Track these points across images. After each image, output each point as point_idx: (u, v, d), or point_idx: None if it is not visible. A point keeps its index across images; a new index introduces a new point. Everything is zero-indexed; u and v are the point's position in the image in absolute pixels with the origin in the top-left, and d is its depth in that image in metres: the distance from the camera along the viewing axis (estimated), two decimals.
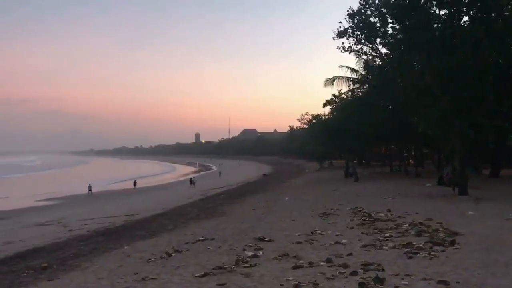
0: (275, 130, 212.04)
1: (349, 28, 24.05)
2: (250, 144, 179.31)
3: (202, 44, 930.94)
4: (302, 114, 64.84)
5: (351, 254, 8.44)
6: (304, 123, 64.53)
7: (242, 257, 8.72)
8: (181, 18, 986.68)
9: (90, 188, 45.04)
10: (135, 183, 53.52)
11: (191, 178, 55.31)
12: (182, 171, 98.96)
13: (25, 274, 10.95)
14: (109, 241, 14.95)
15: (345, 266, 7.43)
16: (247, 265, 8.06)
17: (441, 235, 9.90)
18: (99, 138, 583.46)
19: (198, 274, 7.61)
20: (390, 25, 22.21)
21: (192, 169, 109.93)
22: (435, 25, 19.99)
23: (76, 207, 32.55)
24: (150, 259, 10.00)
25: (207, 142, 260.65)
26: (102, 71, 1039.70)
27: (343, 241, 9.88)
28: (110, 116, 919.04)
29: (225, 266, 8.02)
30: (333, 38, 24.95)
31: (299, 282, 6.57)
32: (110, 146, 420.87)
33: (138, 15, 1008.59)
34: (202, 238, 12.10)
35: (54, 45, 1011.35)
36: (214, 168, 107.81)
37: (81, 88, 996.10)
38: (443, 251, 8.34)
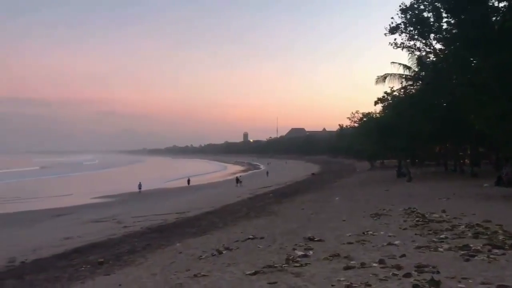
0: (324, 128, 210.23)
1: (402, 23, 23.52)
2: (298, 143, 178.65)
3: (252, 43, 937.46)
4: (352, 112, 63.59)
5: (404, 255, 8.20)
6: (354, 122, 63.28)
7: (292, 256, 8.68)
8: (229, 18, 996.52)
9: (140, 187, 46.29)
10: (188, 181, 55.12)
11: (237, 177, 55.83)
12: (230, 170, 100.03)
13: (83, 268, 11.43)
14: (161, 238, 15.33)
15: (399, 267, 7.23)
16: (297, 265, 8.01)
17: (500, 237, 9.43)
18: (151, 138, 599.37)
19: (248, 272, 7.64)
20: (445, 20, 21.47)
21: (239, 168, 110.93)
22: (494, 18, 19.11)
23: (129, 205, 33.62)
24: (201, 256, 10.16)
25: (255, 141, 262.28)
26: (154, 72, 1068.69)
27: (396, 242, 9.62)
28: (161, 116, 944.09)
29: (275, 265, 8.01)
30: (385, 34, 24.50)
31: (351, 283, 6.46)
32: (161, 146, 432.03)
33: (189, 16, 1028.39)
34: (251, 237, 12.15)
35: (108, 48, 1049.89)
36: (262, 167, 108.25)
37: (134, 89, 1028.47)
38: (503, 254, 7.95)
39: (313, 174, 65.10)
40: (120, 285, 8.23)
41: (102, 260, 12.02)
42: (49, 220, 26.81)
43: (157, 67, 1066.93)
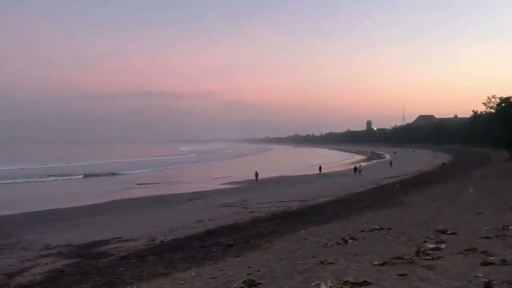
0: (456, 115, 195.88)
1: None
2: (426, 131, 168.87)
3: (374, 28, 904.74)
4: (488, 97, 58.15)
5: None
6: (491, 107, 57.93)
7: (422, 249, 8.30)
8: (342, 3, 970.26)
9: (256, 175, 46.99)
10: (320, 169, 56.05)
11: (355, 166, 54.70)
12: (352, 159, 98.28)
13: (214, 249, 12.16)
14: (286, 224, 15.67)
15: None
16: (429, 258, 7.64)
17: None
18: (273, 127, 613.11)
19: (376, 263, 7.48)
20: None
21: (361, 157, 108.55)
22: None
23: (255, 191, 34.84)
24: (326, 244, 10.19)
25: (379, 130, 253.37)
26: (276, 62, 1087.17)
27: None
28: (283, 105, 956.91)
29: (404, 257, 7.73)
30: None
31: (490, 280, 6.00)
32: (283, 134, 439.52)
33: (309, 3, 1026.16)
34: (378, 227, 11.87)
35: (233, 41, 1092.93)
36: (387, 156, 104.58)
37: (257, 79, 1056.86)
38: None
39: (443, 164, 61.17)
40: (249, 267, 8.60)
41: (231, 242, 12.66)
42: (185, 203, 28.95)
43: (278, 56, 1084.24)
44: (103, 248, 14.81)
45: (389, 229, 11.53)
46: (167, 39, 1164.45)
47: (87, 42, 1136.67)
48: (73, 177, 54.76)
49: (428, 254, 7.87)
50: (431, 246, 8.61)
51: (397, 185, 30.42)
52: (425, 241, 9.20)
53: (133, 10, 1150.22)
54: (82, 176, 55.17)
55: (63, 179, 53.10)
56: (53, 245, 16.24)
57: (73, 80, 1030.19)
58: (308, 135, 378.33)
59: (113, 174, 58.28)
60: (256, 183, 43.37)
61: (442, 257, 7.65)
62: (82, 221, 22.60)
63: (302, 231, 13.44)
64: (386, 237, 10.34)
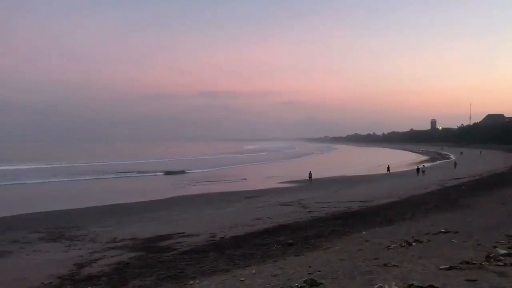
0: None
1: None
2: (495, 131, 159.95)
3: (439, 24, 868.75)
4: None
5: None
6: None
7: (493, 254, 7.90)
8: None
9: (310, 176, 46.16)
10: (388, 168, 56.17)
11: (418, 166, 53.00)
12: (415, 159, 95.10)
13: (274, 247, 12.22)
14: (346, 225, 15.44)
15: None
16: (501, 264, 7.26)
17: None
18: (332, 126, 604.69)
19: (443, 267, 7.21)
20: None
21: (425, 157, 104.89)
22: None
23: (314, 190, 34.57)
24: (389, 246, 9.95)
25: (444, 129, 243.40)
26: (335, 61, 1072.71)
27: None
28: (343, 104, 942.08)
29: (473, 262, 7.40)
30: None
31: None
32: (342, 133, 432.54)
33: (367, 3, 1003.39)
34: (444, 230, 11.42)
35: (290, 42, 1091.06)
36: (452, 157, 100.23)
37: (315, 78, 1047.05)
38: None
39: None
40: (310, 266, 8.57)
41: (291, 241, 12.67)
42: (242, 201, 29.25)
43: (336, 55, 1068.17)
44: (166, 242, 15.30)
45: (455, 232, 11.08)
46: (223, 39, 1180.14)
47: (147, 41, 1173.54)
48: (157, 173, 56.72)
49: (499, 260, 7.49)
50: (503, 251, 8.18)
51: (463, 187, 29.10)
52: (495, 246, 8.76)
53: (189, 10, 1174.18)
54: (162, 173, 57.15)
55: (147, 175, 54.95)
56: (119, 238, 16.98)
57: (135, 80, 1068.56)
58: (368, 134, 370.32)
59: (183, 172, 59.63)
60: (311, 183, 42.92)
61: None
62: (145, 216, 23.44)
63: (363, 232, 13.20)
64: (452, 240, 9.94)
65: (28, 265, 13.23)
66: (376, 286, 6.37)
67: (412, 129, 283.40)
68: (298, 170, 58.72)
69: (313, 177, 45.84)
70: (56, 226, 20.54)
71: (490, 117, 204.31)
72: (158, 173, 56.85)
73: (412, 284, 6.23)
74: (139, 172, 57.69)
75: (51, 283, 10.57)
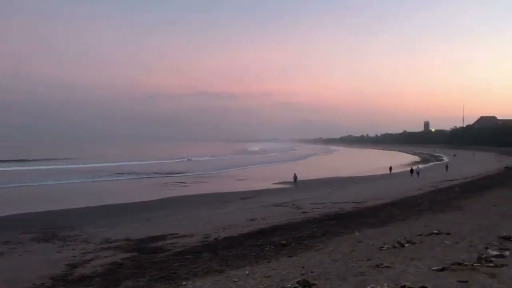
0: None
1: None
2: (488, 133, 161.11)
3: (433, 26, 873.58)
4: None
5: None
6: None
7: (484, 255, 7.96)
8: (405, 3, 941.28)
9: (295, 178, 45.52)
10: (390, 169, 57.17)
11: (412, 168, 53.37)
12: (408, 160, 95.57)
13: (267, 248, 12.22)
14: (340, 226, 15.46)
15: None
16: (492, 265, 7.31)
17: None
18: (325, 127, 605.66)
19: (435, 268, 7.26)
20: None
21: (418, 159, 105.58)
22: None
23: (307, 191, 34.62)
24: (382, 247, 9.98)
25: (438, 131, 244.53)
26: (330, 63, 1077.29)
27: None
28: (335, 106, 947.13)
29: (465, 263, 7.45)
30: None
31: None
32: (336, 135, 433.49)
33: (364, 6, 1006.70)
34: (436, 232, 11.47)
35: (287, 43, 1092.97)
36: (445, 159, 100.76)
37: (310, 80, 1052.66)
38: None
39: (506, 167, 58.09)
40: (303, 267, 8.59)
41: (284, 242, 12.68)
42: (237, 202, 29.25)
43: (330, 57, 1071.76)
44: (160, 243, 15.26)
45: (448, 233, 11.13)
46: (219, 40, 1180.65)
47: (150, 44, 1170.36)
48: (152, 175, 56.30)
49: (490, 261, 7.55)
50: (494, 253, 8.25)
51: (456, 188, 29.26)
52: (487, 248, 8.82)
53: (192, 12, 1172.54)
54: (158, 174, 56.79)
55: (144, 176, 54.37)
56: (113, 238, 16.92)
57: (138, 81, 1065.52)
58: (362, 136, 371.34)
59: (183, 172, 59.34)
60: (296, 184, 42.78)
61: (506, 265, 7.32)
62: (140, 216, 23.38)
63: (356, 233, 13.23)
64: (444, 242, 10.00)
65: (20, 265, 13.16)
66: (369, 287, 6.40)
67: (405, 131, 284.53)
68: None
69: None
70: (49, 227, 20.46)
71: (483, 119, 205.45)
72: (153, 174, 56.65)
73: (404, 285, 6.27)
74: (134, 172, 57.49)
75: (43, 283, 10.51)
